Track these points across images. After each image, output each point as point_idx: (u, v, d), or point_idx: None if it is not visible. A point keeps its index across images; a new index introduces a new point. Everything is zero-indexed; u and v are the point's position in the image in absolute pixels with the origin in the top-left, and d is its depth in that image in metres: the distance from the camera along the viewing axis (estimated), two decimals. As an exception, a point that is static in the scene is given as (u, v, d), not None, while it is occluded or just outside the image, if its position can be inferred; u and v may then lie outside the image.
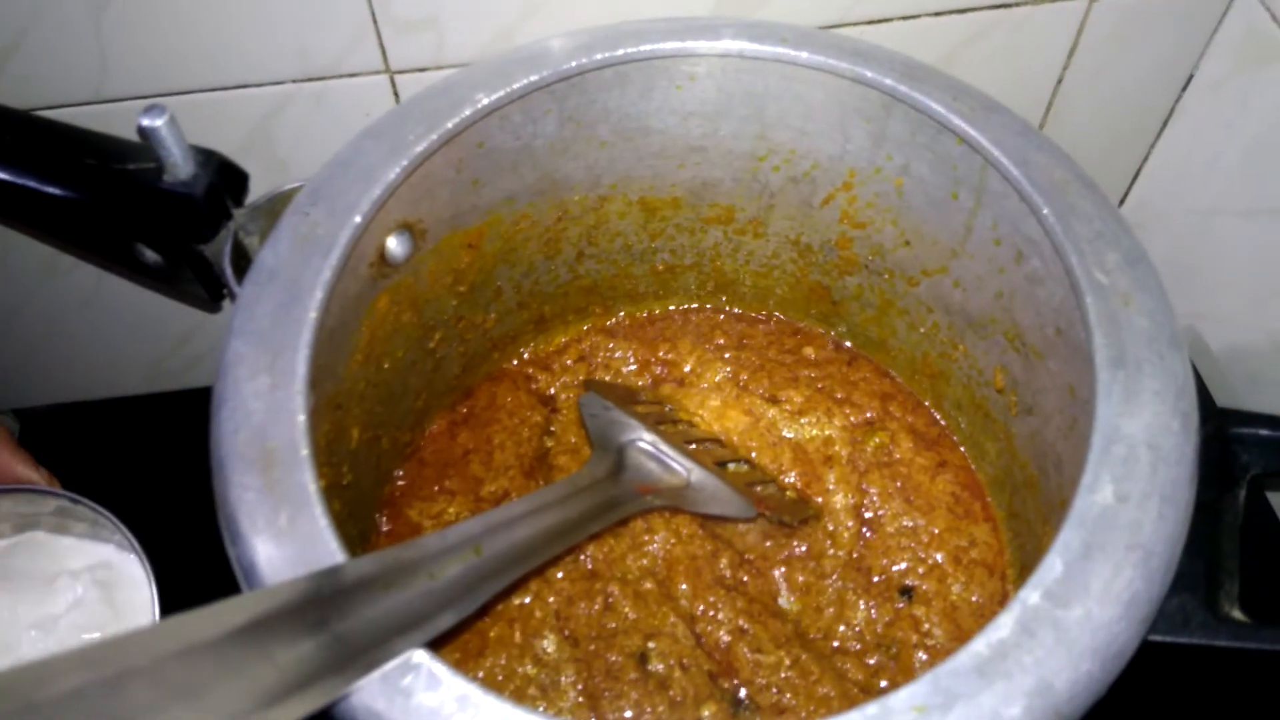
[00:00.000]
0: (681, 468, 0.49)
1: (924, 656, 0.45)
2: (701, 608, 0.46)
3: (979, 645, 0.29)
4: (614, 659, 0.44)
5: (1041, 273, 0.42)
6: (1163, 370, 0.35)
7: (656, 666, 0.44)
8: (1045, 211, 0.39)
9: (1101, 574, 0.30)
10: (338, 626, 0.28)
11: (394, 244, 0.43)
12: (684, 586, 0.47)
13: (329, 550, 0.31)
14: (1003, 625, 0.29)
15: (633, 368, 0.56)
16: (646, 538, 0.48)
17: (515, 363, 0.56)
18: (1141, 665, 0.31)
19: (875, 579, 0.48)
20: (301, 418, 0.33)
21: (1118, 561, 0.31)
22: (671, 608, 0.46)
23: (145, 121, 0.39)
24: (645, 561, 0.48)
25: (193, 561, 0.47)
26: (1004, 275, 0.45)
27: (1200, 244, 0.62)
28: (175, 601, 0.48)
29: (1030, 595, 0.30)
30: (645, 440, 0.49)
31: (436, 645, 0.45)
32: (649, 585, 0.46)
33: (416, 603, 0.31)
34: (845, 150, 0.48)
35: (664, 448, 0.49)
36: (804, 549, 0.49)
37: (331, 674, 0.27)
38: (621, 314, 0.58)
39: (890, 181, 0.48)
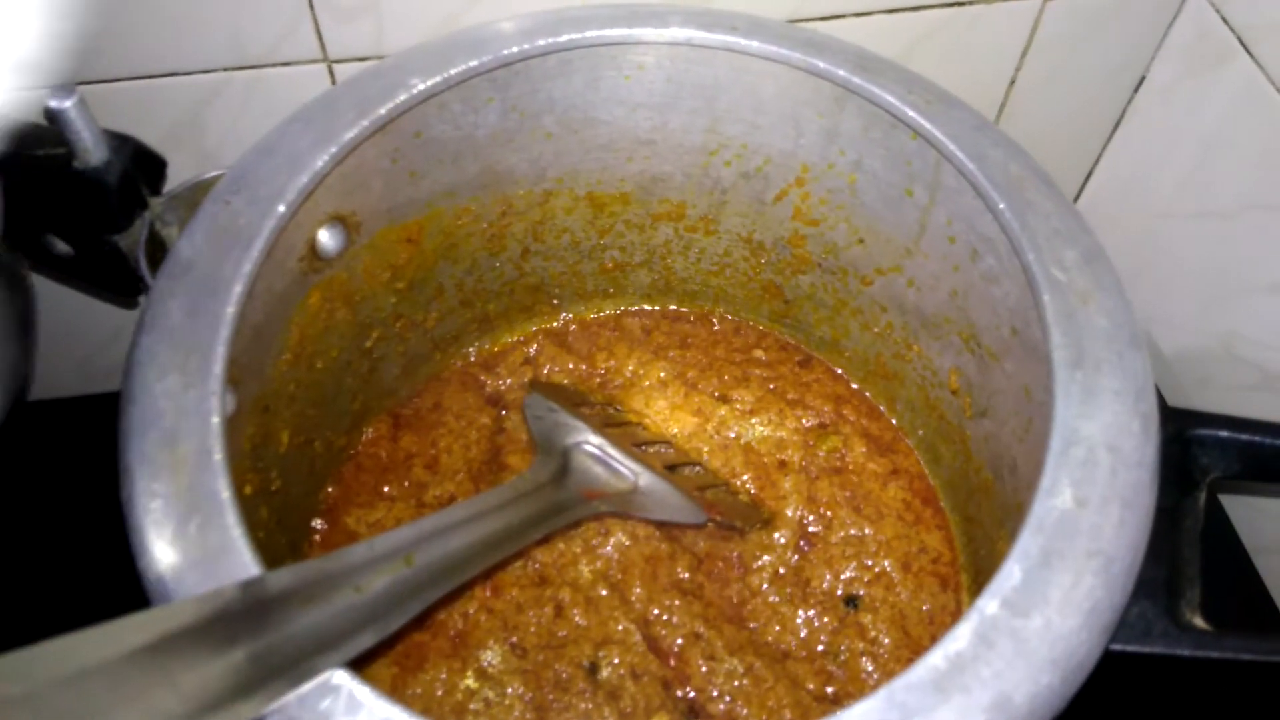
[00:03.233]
0: (629, 471, 0.47)
1: (870, 666, 0.45)
2: (656, 611, 0.45)
3: (935, 658, 0.28)
4: (564, 669, 0.43)
5: (997, 271, 0.41)
6: (1122, 370, 0.34)
7: (607, 676, 0.42)
8: (1001, 207, 0.38)
9: (1061, 582, 0.29)
10: (250, 645, 0.26)
11: (325, 237, 0.41)
12: (639, 590, 0.45)
13: (242, 562, 0.29)
14: (960, 636, 0.28)
15: (578, 369, 0.54)
16: (599, 540, 0.47)
17: (459, 364, 0.54)
18: (1101, 675, 0.30)
19: (820, 586, 0.47)
20: (216, 420, 0.31)
21: (1078, 569, 0.30)
22: (625, 612, 0.44)
23: (53, 103, 0.37)
24: (599, 565, 0.46)
25: (122, 577, 0.44)
26: (959, 273, 0.44)
27: (1151, 247, 0.61)
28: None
29: (988, 604, 0.29)
30: (592, 443, 0.47)
31: (371, 659, 0.43)
32: (602, 590, 0.45)
33: (339, 619, 0.29)
34: (798, 145, 0.46)
35: (611, 451, 0.47)
36: (755, 555, 0.47)
37: (241, 698, 0.25)
38: (568, 315, 0.57)
39: (843, 178, 0.47)
